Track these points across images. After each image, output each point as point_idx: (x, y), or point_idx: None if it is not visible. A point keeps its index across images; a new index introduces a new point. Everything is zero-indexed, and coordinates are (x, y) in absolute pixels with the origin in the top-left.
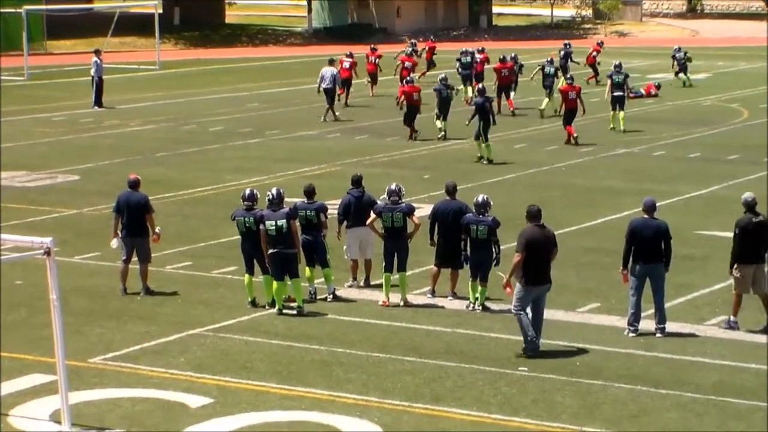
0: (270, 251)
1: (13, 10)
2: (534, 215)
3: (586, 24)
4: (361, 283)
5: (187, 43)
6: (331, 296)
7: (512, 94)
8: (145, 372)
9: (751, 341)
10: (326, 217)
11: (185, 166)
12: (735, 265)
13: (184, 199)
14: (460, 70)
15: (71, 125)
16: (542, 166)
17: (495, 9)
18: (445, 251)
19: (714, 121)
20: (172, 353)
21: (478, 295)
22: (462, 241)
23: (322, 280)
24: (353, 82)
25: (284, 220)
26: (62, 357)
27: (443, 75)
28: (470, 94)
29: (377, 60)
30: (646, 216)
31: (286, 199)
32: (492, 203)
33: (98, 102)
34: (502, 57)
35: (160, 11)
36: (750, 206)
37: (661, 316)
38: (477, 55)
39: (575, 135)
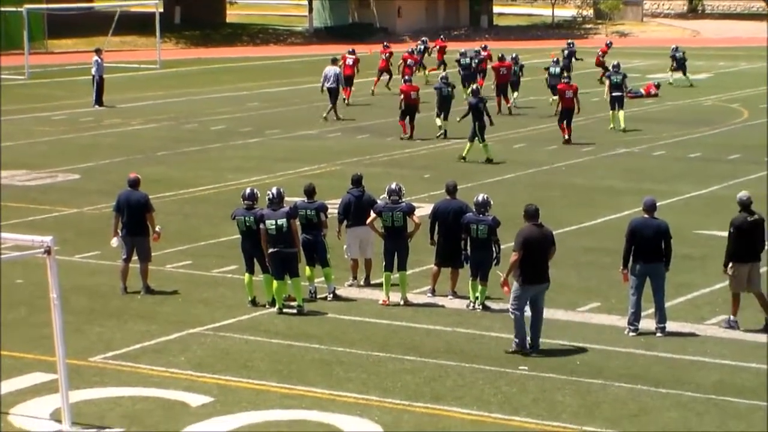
0: (270, 250)
1: (14, 9)
2: (532, 214)
3: (587, 24)
4: (362, 283)
5: (187, 42)
6: (331, 295)
7: (515, 94)
8: (146, 371)
9: (751, 341)
10: (326, 217)
11: (186, 165)
12: (730, 264)
13: (185, 198)
14: (460, 71)
15: (72, 124)
16: (542, 166)
17: (496, 9)
18: (446, 250)
19: (714, 121)
20: (172, 352)
21: (478, 294)
22: (462, 240)
23: (323, 279)
24: (355, 81)
25: (284, 220)
26: (63, 356)
27: (444, 73)
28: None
29: (390, 56)
30: (646, 215)
31: (286, 199)
32: (492, 203)
33: (99, 101)
34: (500, 55)
35: (161, 10)
36: (745, 205)
37: (661, 316)
38: (482, 53)
39: (567, 136)
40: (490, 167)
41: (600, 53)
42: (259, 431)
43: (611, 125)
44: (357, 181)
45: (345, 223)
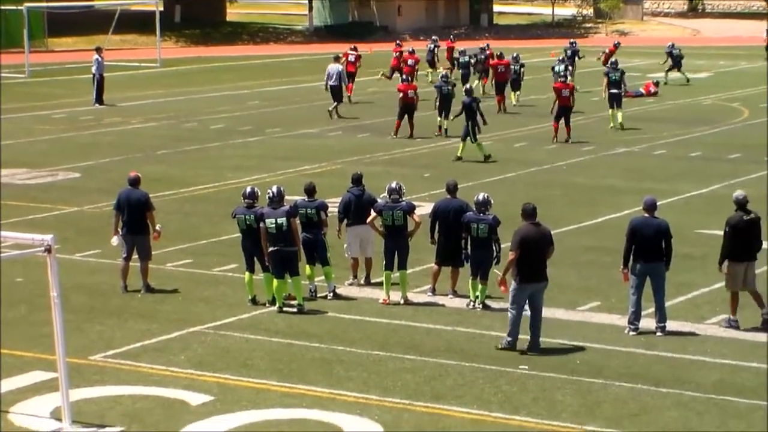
0: (270, 249)
1: (14, 7)
2: (529, 213)
3: (587, 23)
4: (362, 281)
5: (188, 41)
6: (331, 294)
7: (518, 93)
8: (146, 369)
9: (751, 340)
10: (327, 215)
11: (186, 163)
12: (725, 263)
13: (185, 197)
14: (461, 70)
15: (72, 122)
16: (543, 165)
17: (496, 8)
18: (446, 249)
19: (715, 120)
20: (172, 351)
21: (478, 293)
22: (462, 239)
23: (323, 278)
24: (356, 79)
25: (284, 218)
26: (63, 354)
27: (444, 72)
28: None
29: (400, 55)
30: (646, 215)
31: (286, 197)
32: (492, 202)
33: (99, 99)
34: (499, 53)
35: (161, 9)
36: (741, 204)
37: (661, 315)
38: (485, 51)
39: (566, 135)
40: (491, 166)
41: (607, 52)
42: (259, 430)
43: (611, 124)
44: (357, 179)
45: (345, 221)
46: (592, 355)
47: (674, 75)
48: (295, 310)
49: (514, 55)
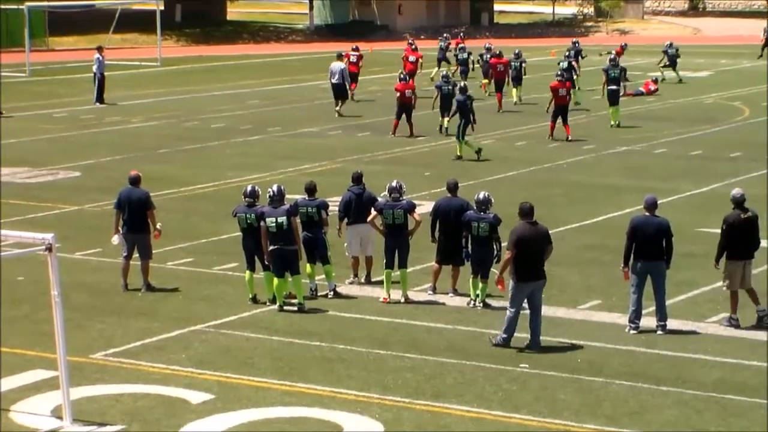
0: (270, 248)
1: (15, 7)
2: (526, 212)
3: (587, 22)
4: (362, 280)
5: (188, 40)
6: (331, 293)
7: (520, 89)
8: (146, 368)
9: (751, 338)
10: (327, 214)
11: (186, 162)
12: (722, 260)
13: (186, 196)
14: (460, 66)
15: (73, 122)
16: (543, 164)
17: (496, 6)
18: (447, 248)
19: (715, 119)
20: (173, 349)
21: (479, 291)
22: (463, 238)
23: (323, 276)
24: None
25: (285, 217)
26: (63, 353)
27: (444, 71)
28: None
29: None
30: (647, 213)
31: (287, 196)
32: (493, 200)
33: (100, 98)
34: (498, 52)
35: (162, 8)
36: (738, 202)
37: (662, 314)
38: (491, 52)
39: (551, 134)
40: (492, 165)
41: (614, 54)
42: (259, 429)
43: (611, 122)
44: (357, 178)
45: (345, 220)
46: (593, 353)
47: (669, 74)
48: (295, 308)
49: (516, 51)
